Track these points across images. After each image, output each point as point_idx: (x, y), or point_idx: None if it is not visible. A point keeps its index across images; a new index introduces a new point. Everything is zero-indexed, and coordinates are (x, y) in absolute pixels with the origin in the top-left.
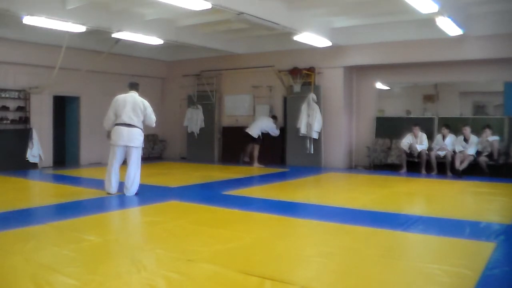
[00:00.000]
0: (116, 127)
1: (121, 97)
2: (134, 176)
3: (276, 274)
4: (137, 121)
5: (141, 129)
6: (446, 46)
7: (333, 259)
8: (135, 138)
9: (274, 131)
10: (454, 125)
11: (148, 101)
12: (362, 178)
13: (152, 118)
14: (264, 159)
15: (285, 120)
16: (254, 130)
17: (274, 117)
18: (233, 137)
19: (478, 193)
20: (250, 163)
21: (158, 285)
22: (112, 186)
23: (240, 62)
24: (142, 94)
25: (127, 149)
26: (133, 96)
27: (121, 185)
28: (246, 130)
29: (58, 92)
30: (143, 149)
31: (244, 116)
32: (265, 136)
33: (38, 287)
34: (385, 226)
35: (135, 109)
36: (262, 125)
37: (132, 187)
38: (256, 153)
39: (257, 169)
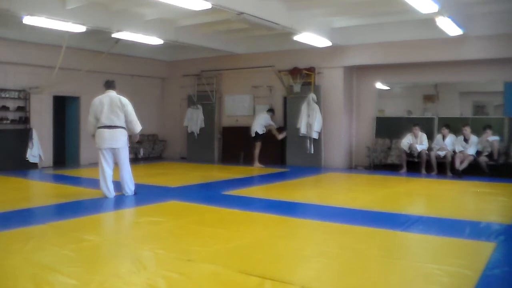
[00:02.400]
0: (98, 130)
1: (97, 99)
2: (128, 175)
3: (276, 274)
4: (117, 121)
5: (123, 128)
6: (446, 46)
7: (333, 259)
8: (118, 139)
9: (270, 123)
10: (454, 125)
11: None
12: (362, 178)
13: (133, 118)
14: (264, 159)
15: (285, 120)
16: (254, 129)
17: (271, 110)
18: (233, 137)
19: (478, 193)
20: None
21: (158, 285)
22: (110, 190)
23: (240, 62)
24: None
25: (113, 151)
26: (109, 95)
27: (118, 185)
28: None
29: (58, 92)
30: (143, 149)
31: (244, 116)
32: (265, 136)
33: (38, 287)
34: (385, 226)
35: (112, 109)
36: (260, 121)
37: (129, 187)
38: (256, 152)
39: (257, 169)
